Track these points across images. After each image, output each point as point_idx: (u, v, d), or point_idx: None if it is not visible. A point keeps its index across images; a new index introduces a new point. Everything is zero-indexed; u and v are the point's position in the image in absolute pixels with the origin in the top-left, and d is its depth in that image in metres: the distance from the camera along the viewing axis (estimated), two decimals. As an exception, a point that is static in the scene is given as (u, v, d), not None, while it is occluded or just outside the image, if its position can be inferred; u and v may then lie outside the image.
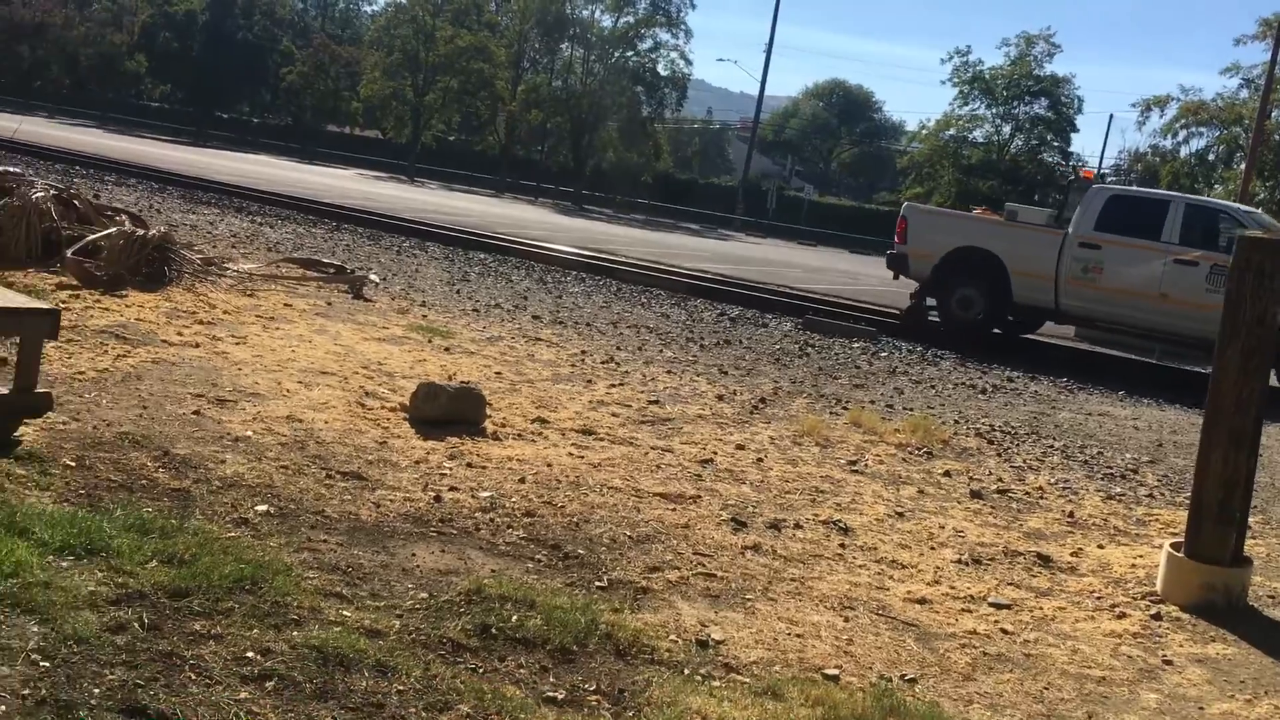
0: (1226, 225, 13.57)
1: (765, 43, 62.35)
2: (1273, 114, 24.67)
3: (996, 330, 14.86)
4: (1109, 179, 51.95)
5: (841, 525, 5.16)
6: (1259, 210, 15.19)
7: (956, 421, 8.37)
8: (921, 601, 4.32)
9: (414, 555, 3.96)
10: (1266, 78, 23.53)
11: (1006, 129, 48.34)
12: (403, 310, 9.78)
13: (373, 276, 11.30)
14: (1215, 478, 4.59)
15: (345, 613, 3.34)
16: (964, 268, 14.57)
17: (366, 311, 9.37)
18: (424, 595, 3.60)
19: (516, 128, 63.68)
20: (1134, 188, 16.64)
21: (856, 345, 12.53)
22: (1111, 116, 76.47)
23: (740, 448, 6.44)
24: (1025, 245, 14.40)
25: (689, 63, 61.53)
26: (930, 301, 15.17)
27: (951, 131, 48.50)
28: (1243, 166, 26.67)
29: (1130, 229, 13.78)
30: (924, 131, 50.91)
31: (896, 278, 15.76)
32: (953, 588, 4.52)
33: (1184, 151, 46.46)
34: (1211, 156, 44.11)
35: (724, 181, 71.06)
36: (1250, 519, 5.85)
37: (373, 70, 63.22)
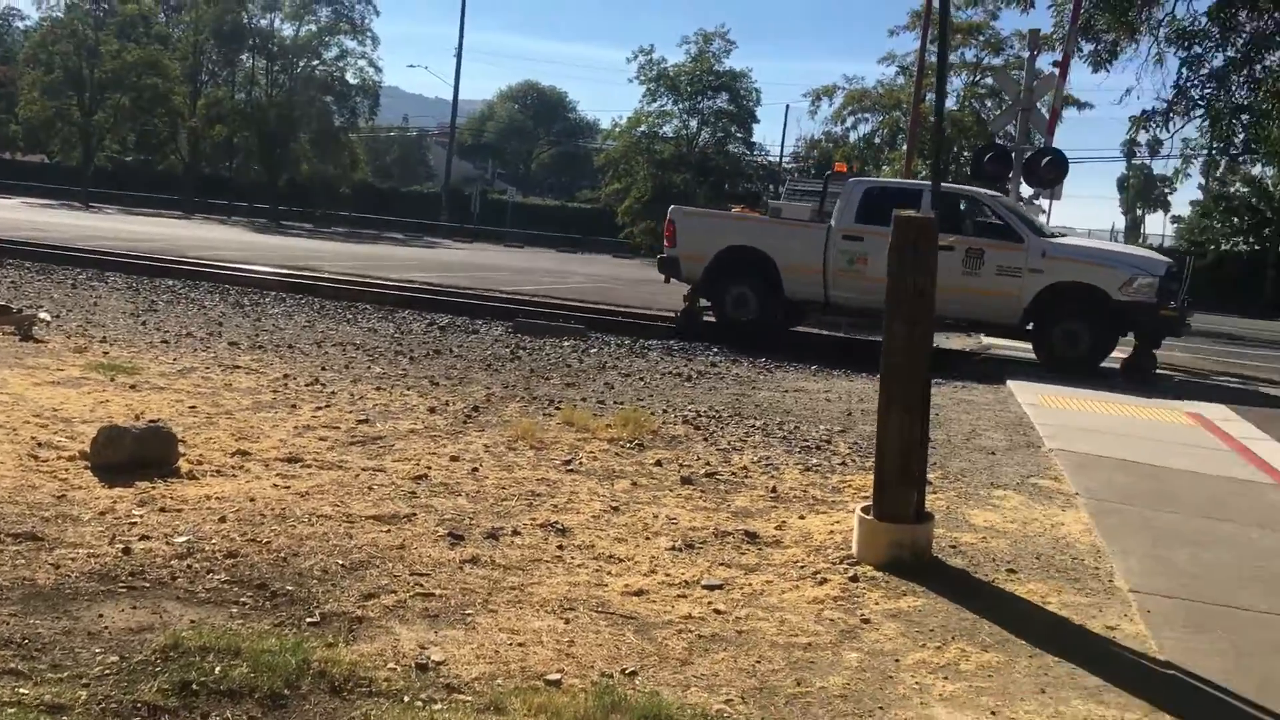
0: (974, 209, 14.67)
1: (455, 47, 61.90)
2: (927, 98, 26.80)
3: (771, 327, 15.14)
4: (790, 167, 55.00)
5: (559, 526, 5.19)
6: (999, 193, 16.40)
7: (665, 411, 8.62)
8: (639, 593, 4.41)
9: (101, 616, 3.67)
10: (918, 64, 25.57)
11: (694, 123, 50.18)
12: (80, 349, 9.07)
13: (43, 314, 10.43)
14: (894, 443, 4.94)
15: (22, 690, 3.05)
16: (736, 267, 14.86)
17: (37, 353, 8.63)
18: (114, 659, 3.34)
19: (200, 144, 60.51)
20: (889, 179, 17.46)
21: (567, 344, 12.69)
22: (788, 107, 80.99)
23: (455, 459, 6.37)
24: (792, 241, 14.80)
25: (379, 70, 60.45)
26: (704, 302, 15.39)
27: (643, 128, 49.86)
28: (905, 147, 28.94)
29: (889, 219, 14.42)
30: (617, 129, 52.12)
31: (668, 281, 15.89)
32: (668, 575, 4.65)
33: (853, 136, 49.83)
34: (878, 139, 47.52)
35: (427, 188, 70.32)
36: (930, 475, 6.34)
37: (31, 90, 58.26)
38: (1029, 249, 13.69)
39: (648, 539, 5.16)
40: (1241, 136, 29.11)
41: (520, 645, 3.77)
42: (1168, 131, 27.35)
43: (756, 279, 14.77)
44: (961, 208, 14.62)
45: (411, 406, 7.93)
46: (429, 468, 6.11)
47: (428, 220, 57.69)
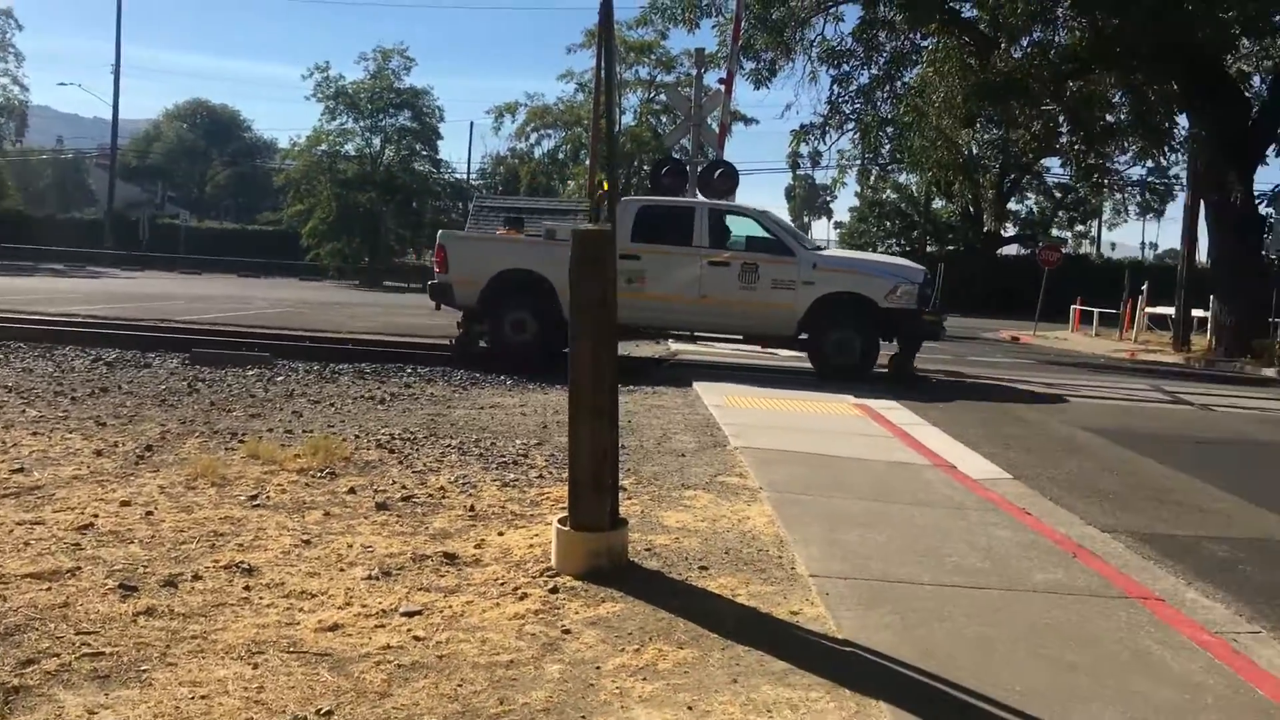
0: (744, 225, 15.03)
1: (113, 63, 57.82)
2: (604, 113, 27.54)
3: (551, 349, 14.73)
4: (477, 184, 55.09)
5: (245, 566, 4.93)
6: (768, 210, 16.94)
7: (358, 436, 8.38)
8: (334, 628, 4.24)
9: None
10: (595, 81, 26.21)
11: (377, 141, 49.32)
12: None
13: None
14: (586, 452, 5.01)
15: None
16: (512, 291, 14.45)
17: None
18: None
19: None
20: (660, 197, 17.50)
21: (251, 373, 12.11)
22: (472, 124, 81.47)
23: (126, 504, 5.92)
24: (568, 263, 14.45)
25: (25, 88, 55.71)
26: (480, 328, 14.86)
27: (324, 147, 48.51)
28: (588, 162, 29.60)
29: (664, 237, 14.50)
30: (296, 148, 50.45)
31: (439, 308, 15.23)
32: (365, 606, 4.50)
33: (538, 152, 50.57)
34: (561, 155, 48.44)
35: (88, 214, 65.45)
36: (624, 481, 6.50)
37: None
38: (800, 262, 14.30)
39: (342, 570, 4.99)
40: (888, 147, 31.75)
41: (203, 698, 3.54)
42: (825, 144, 29.37)
43: (534, 302, 14.45)
44: (733, 224, 15.11)
45: (75, 450, 7.31)
46: (96, 515, 5.64)
47: (91, 249, 53.58)
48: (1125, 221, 58.36)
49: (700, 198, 18.26)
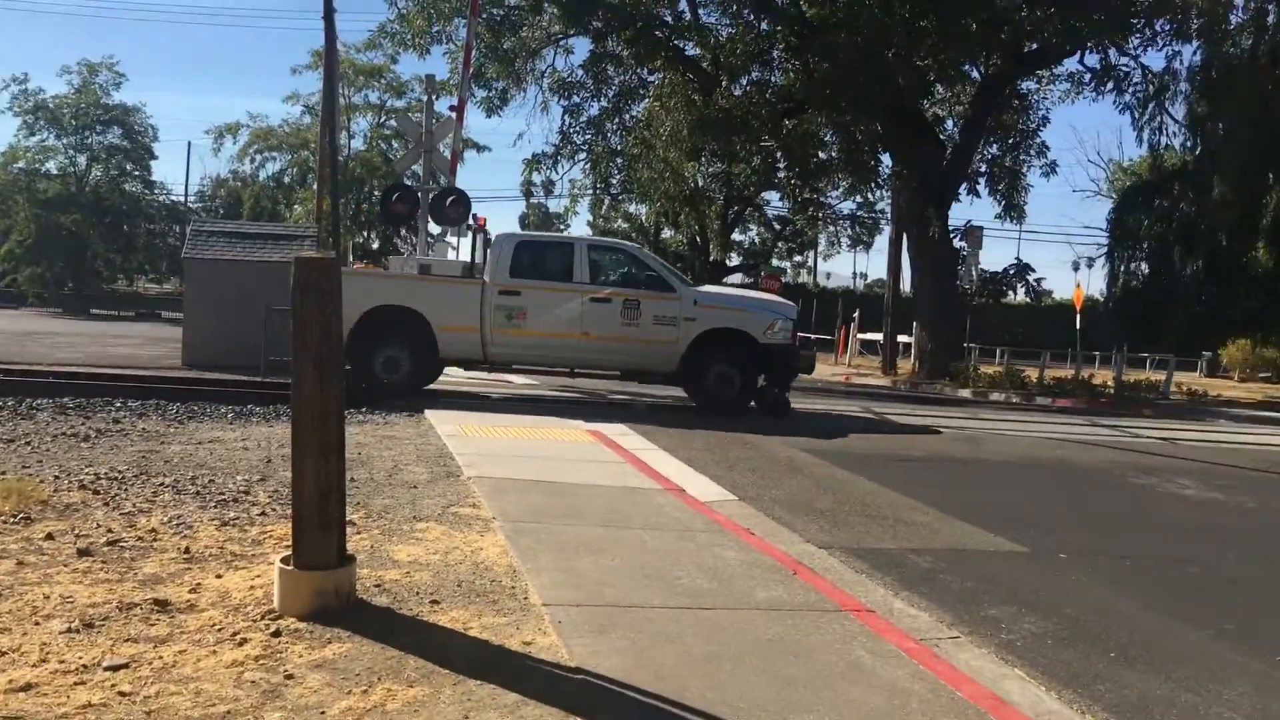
0: (624, 261, 14.87)
1: None
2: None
3: (424, 387, 14.58)
4: (195, 206, 52.43)
5: (-79, 626, 4.45)
6: (632, 243, 16.71)
7: (57, 477, 7.75)
8: (27, 688, 3.89)
9: None
10: (323, 104, 25.52)
11: (82, 159, 46.07)
12: None
13: None
14: (310, 487, 4.82)
15: None
16: (385, 327, 13.90)
17: None
18: None
19: None
20: (539, 233, 17.30)
21: (-69, 411, 10.99)
22: (190, 144, 77.48)
23: None
24: (446, 298, 14.24)
25: None
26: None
27: (21, 164, 44.87)
28: (315, 186, 28.72)
29: (544, 273, 14.36)
30: (-12, 165, 46.41)
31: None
32: (63, 662, 4.15)
33: (262, 175, 48.72)
34: (287, 179, 46.84)
35: None
36: (353, 515, 6.32)
37: None
38: (682, 298, 14.46)
39: (37, 624, 4.58)
40: (618, 178, 32.51)
41: None
42: (557, 173, 29.76)
43: (408, 339, 14.13)
44: (614, 260, 15.01)
45: None
46: None
47: None
48: (839, 252, 62.21)
49: (580, 234, 18.36)
